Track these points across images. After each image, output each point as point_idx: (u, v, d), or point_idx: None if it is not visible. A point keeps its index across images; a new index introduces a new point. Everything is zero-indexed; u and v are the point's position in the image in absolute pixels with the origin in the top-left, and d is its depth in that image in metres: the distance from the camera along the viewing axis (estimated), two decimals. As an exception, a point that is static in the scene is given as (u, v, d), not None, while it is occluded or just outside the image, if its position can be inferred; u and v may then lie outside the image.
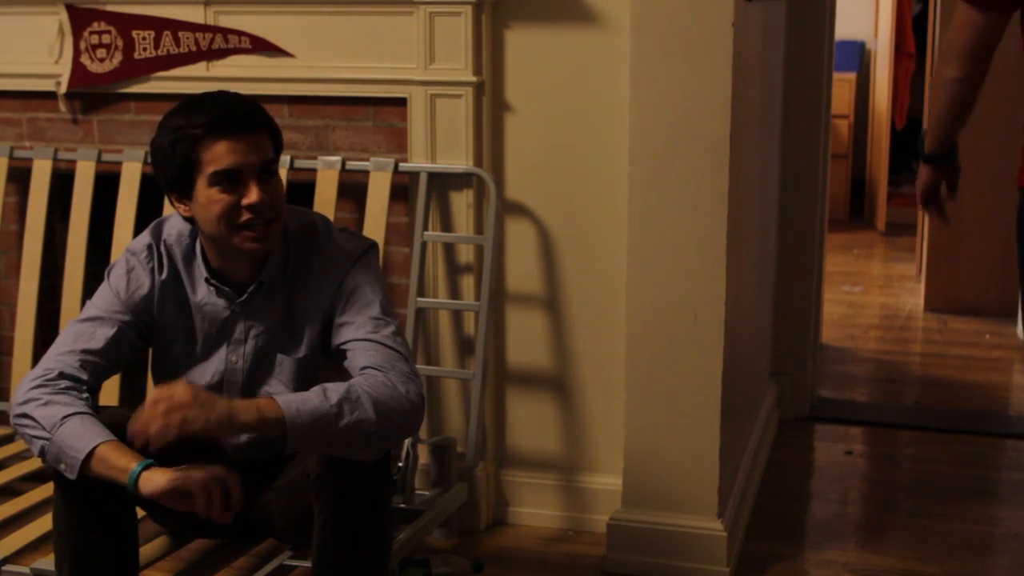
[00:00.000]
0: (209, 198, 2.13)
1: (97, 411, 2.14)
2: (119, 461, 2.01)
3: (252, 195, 2.13)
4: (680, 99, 2.68)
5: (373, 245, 2.31)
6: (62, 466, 2.07)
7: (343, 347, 2.19)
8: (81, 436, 2.04)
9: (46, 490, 2.81)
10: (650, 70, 2.70)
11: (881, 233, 6.91)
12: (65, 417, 2.06)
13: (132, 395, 3.17)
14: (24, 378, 2.17)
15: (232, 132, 2.12)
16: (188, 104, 2.17)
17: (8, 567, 2.52)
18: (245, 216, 2.14)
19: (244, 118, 2.15)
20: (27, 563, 2.51)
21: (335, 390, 2.01)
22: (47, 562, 2.39)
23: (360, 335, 2.17)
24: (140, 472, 1.99)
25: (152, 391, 1.97)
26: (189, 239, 2.29)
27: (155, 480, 1.98)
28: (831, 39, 3.93)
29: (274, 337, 2.28)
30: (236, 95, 2.21)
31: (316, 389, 2.02)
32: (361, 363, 2.13)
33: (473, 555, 2.94)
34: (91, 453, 2.02)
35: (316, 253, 2.26)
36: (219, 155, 2.11)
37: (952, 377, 4.40)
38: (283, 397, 2.00)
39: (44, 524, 2.64)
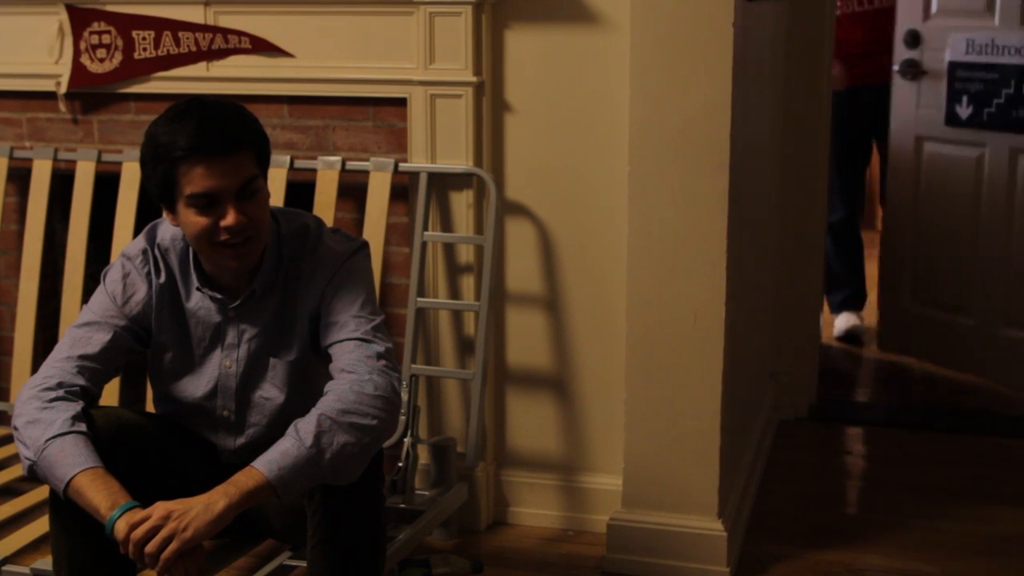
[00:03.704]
0: (188, 218, 2.14)
1: (90, 417, 2.14)
2: (93, 499, 2.00)
3: (228, 218, 2.11)
4: (680, 99, 2.68)
5: (363, 246, 2.31)
6: (51, 485, 2.09)
7: (328, 350, 2.20)
8: (60, 464, 2.03)
9: (46, 490, 2.78)
10: (650, 70, 2.69)
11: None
12: (49, 440, 2.05)
13: (132, 395, 3.18)
14: (25, 384, 2.17)
15: (209, 156, 2.08)
16: (172, 116, 2.13)
17: (8, 567, 2.52)
18: (223, 236, 2.13)
19: (223, 141, 2.10)
20: (27, 563, 2.51)
21: (307, 429, 2.00)
22: (47, 562, 2.39)
23: (341, 336, 2.18)
24: (114, 524, 1.98)
25: (121, 529, 1.95)
26: (183, 243, 2.28)
27: (119, 532, 1.97)
28: (831, 39, 3.93)
29: (267, 340, 2.28)
30: (220, 109, 2.16)
31: (289, 435, 2.01)
32: (337, 365, 2.15)
33: (473, 555, 2.94)
34: (69, 483, 2.02)
35: (307, 255, 2.26)
36: (195, 178, 2.09)
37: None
38: (261, 460, 1.99)
39: (44, 524, 2.63)
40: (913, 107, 4.42)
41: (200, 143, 2.08)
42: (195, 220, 2.12)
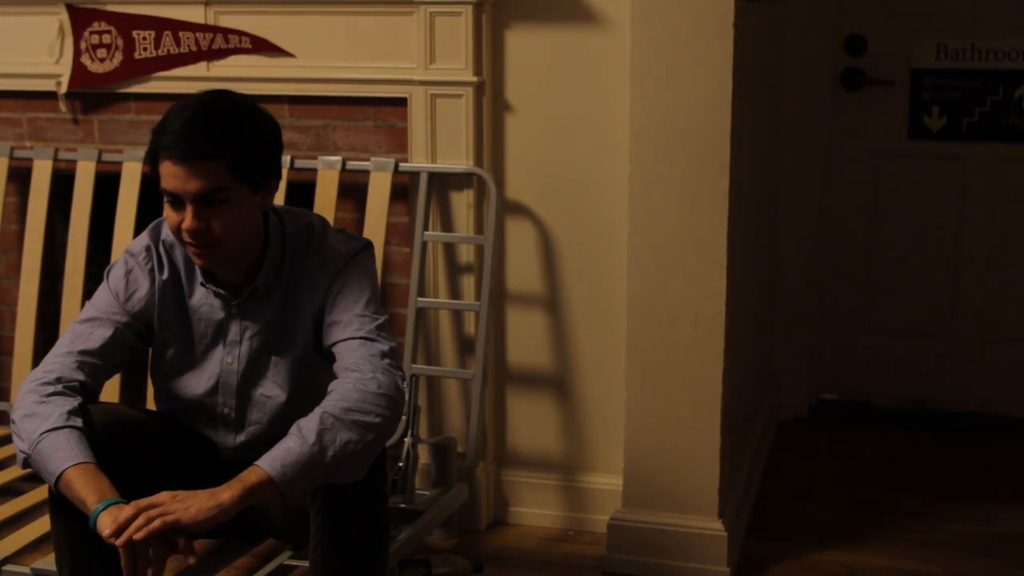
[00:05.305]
0: (166, 210, 2.17)
1: (87, 412, 2.14)
2: (80, 492, 2.00)
3: (185, 221, 2.13)
4: (680, 99, 2.68)
5: (367, 245, 2.32)
6: (43, 478, 2.09)
7: (332, 349, 2.21)
8: (53, 458, 2.04)
9: (46, 490, 2.79)
10: (650, 70, 2.70)
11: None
12: (43, 433, 2.06)
13: (132, 394, 3.18)
14: (26, 377, 2.19)
15: (178, 157, 2.10)
16: (181, 106, 2.16)
17: (8, 567, 2.52)
18: (184, 235, 2.16)
19: (195, 146, 2.09)
20: (27, 563, 2.51)
21: (309, 426, 2.00)
22: (47, 562, 2.39)
23: (345, 335, 2.18)
24: (97, 516, 1.98)
25: (104, 522, 1.95)
26: None
27: (102, 525, 1.96)
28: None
29: (269, 338, 2.29)
30: (217, 111, 2.14)
31: (292, 433, 2.01)
32: (341, 364, 2.15)
33: (473, 555, 2.94)
34: (59, 477, 2.03)
35: (311, 254, 2.27)
36: (165, 175, 2.13)
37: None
38: (264, 458, 1.99)
39: (44, 524, 2.64)
40: (858, 120, 3.92)
41: (172, 143, 2.10)
42: (168, 213, 2.17)
